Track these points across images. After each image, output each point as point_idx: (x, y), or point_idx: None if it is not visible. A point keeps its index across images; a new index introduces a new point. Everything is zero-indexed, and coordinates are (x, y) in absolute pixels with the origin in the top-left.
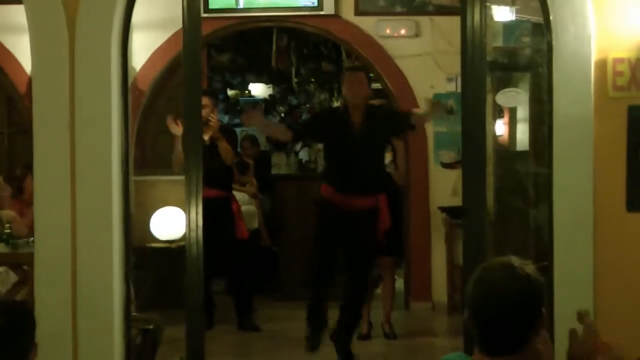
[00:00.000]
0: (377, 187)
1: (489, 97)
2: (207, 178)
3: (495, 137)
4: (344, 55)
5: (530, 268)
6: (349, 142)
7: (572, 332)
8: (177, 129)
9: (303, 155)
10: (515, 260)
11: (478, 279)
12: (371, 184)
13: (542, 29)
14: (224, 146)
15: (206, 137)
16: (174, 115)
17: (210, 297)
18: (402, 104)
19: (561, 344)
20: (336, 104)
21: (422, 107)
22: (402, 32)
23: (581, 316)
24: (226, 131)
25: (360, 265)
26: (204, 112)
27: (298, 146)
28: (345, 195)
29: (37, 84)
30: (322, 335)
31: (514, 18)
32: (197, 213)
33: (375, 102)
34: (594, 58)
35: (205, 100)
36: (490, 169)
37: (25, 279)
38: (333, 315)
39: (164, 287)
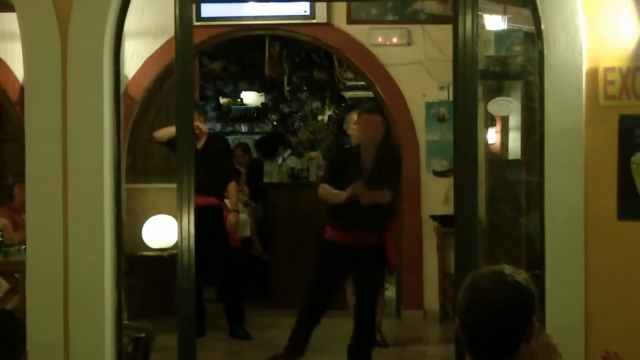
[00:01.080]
0: (382, 225)
1: (480, 106)
2: (198, 186)
3: (487, 145)
4: (336, 63)
5: (521, 276)
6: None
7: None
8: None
9: (294, 163)
10: (506, 268)
11: (468, 285)
12: (376, 223)
13: (534, 38)
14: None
15: (199, 146)
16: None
17: (201, 304)
18: (394, 111)
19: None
20: (328, 112)
21: None
22: (394, 40)
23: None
24: (220, 139)
25: (367, 304)
26: (201, 125)
27: (286, 154)
28: (349, 234)
29: (29, 91)
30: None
31: (505, 27)
32: (188, 221)
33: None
34: (585, 67)
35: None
36: (482, 177)
37: (17, 287)
38: (336, 324)
39: (156, 295)
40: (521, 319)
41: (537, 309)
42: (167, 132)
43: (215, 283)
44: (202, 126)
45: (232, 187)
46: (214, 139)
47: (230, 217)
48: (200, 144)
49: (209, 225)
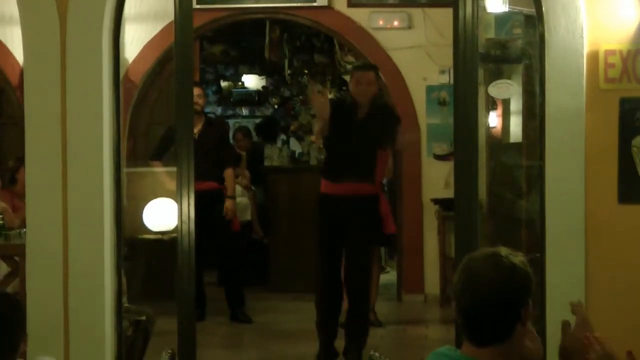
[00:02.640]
0: (371, 172)
1: (481, 89)
2: (197, 172)
3: (488, 129)
4: (336, 47)
5: (517, 258)
6: (350, 133)
7: (565, 324)
8: None
9: (295, 147)
10: (502, 250)
11: (463, 268)
12: (366, 170)
13: (534, 21)
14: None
15: (195, 130)
16: None
17: (202, 288)
18: (395, 95)
19: (554, 336)
20: (329, 96)
21: None
22: (395, 24)
23: (574, 307)
24: (219, 124)
25: (359, 250)
26: (201, 100)
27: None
28: (342, 183)
29: (29, 75)
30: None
31: (506, 10)
32: (189, 204)
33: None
34: (585, 50)
35: (199, 90)
36: (482, 161)
37: (17, 270)
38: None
39: (156, 279)
40: (517, 301)
41: (533, 290)
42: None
43: (216, 267)
44: (201, 101)
45: (228, 173)
46: (213, 124)
47: (227, 204)
48: (197, 128)
49: (208, 209)
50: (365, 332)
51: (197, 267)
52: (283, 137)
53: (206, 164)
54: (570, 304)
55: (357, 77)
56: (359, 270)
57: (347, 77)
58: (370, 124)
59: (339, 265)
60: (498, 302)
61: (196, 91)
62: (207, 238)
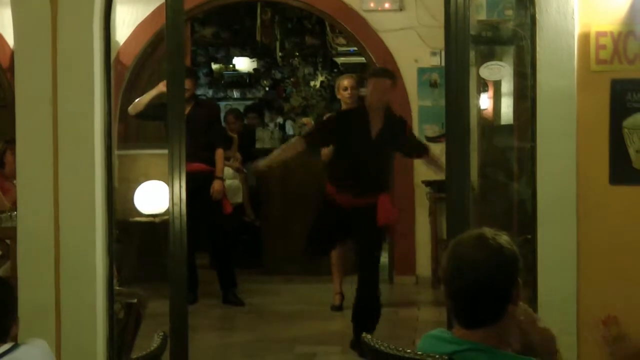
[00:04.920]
0: (381, 187)
1: (472, 71)
2: (191, 153)
3: (479, 111)
4: (328, 29)
5: (503, 239)
6: (365, 144)
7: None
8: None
9: (288, 129)
10: (487, 232)
11: (451, 252)
12: (377, 185)
13: (526, 2)
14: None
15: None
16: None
17: (194, 271)
18: None
19: (544, 318)
20: (321, 78)
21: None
22: (386, 5)
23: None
24: (209, 106)
25: (366, 265)
26: (190, 90)
27: (278, 119)
28: (350, 195)
29: (19, 57)
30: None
31: None
32: (180, 187)
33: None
34: (577, 31)
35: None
36: (474, 142)
37: (8, 253)
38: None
39: (148, 261)
40: (506, 281)
41: (521, 270)
42: (140, 103)
43: (208, 249)
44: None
45: (218, 153)
46: (203, 105)
47: (215, 184)
48: (187, 110)
49: (199, 191)
50: (375, 321)
51: (188, 250)
52: (280, 120)
53: (195, 145)
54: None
55: (373, 83)
56: (372, 263)
57: (338, 60)
58: (387, 136)
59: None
60: (488, 283)
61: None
62: (197, 220)
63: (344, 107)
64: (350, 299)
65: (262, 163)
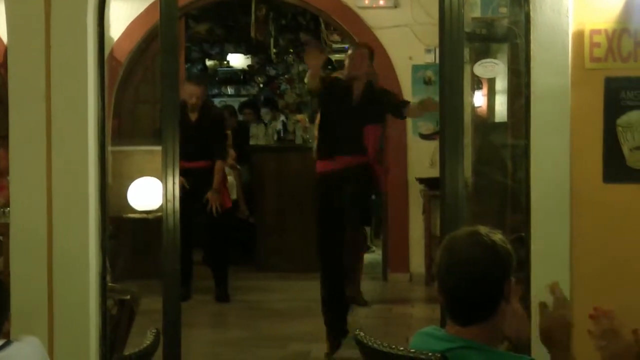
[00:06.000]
0: (362, 147)
1: (467, 68)
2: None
3: (473, 108)
4: (322, 26)
5: (497, 236)
6: (346, 111)
7: (542, 305)
8: None
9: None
10: (481, 229)
11: (445, 248)
12: (361, 145)
13: (520, 0)
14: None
15: (193, 118)
16: None
17: (190, 267)
18: (381, 75)
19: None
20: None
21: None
22: (381, 2)
23: (552, 289)
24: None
25: (356, 216)
26: (195, 99)
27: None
28: (337, 159)
29: (13, 53)
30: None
31: None
32: (173, 183)
33: (338, 73)
34: (571, 29)
35: (195, 90)
36: (468, 140)
37: (1, 250)
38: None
39: (141, 258)
40: (500, 278)
41: (514, 267)
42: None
43: (201, 246)
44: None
45: (218, 165)
46: (210, 112)
47: (210, 196)
48: (194, 113)
49: (199, 187)
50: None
51: (185, 246)
52: (282, 118)
53: (199, 147)
54: (548, 286)
55: (350, 54)
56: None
57: (332, 57)
58: (367, 102)
59: (341, 246)
60: (482, 280)
61: (191, 89)
62: (197, 216)
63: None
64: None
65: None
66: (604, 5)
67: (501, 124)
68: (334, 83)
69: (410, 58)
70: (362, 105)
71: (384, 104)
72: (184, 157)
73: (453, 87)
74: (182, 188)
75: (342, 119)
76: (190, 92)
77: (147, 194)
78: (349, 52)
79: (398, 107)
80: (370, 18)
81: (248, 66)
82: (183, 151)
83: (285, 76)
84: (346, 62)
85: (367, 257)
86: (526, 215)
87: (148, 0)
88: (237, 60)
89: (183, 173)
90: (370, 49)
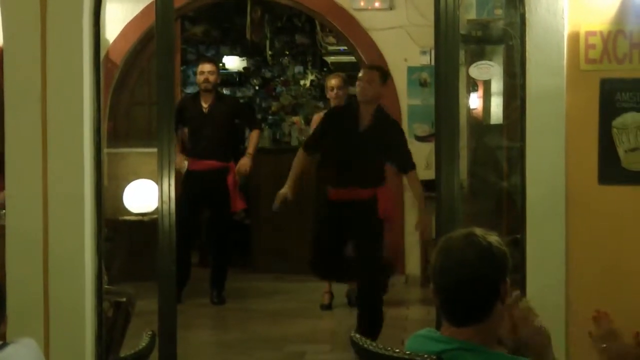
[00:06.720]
0: (375, 180)
1: (462, 70)
2: (199, 150)
3: (469, 110)
4: (318, 27)
5: (492, 238)
6: (354, 137)
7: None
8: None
9: (277, 128)
10: (477, 230)
11: (440, 249)
12: (370, 178)
13: (515, 2)
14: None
15: (206, 105)
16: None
17: (189, 270)
18: None
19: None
20: (310, 77)
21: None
22: (376, 4)
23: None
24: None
25: (369, 254)
26: (212, 77)
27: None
28: (344, 189)
29: (8, 55)
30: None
31: None
32: (169, 185)
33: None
34: (566, 31)
35: (212, 67)
36: (463, 142)
37: None
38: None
39: (137, 260)
40: (496, 279)
41: (510, 269)
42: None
43: (199, 248)
44: (212, 78)
45: (254, 133)
46: (224, 99)
47: (243, 160)
48: (207, 102)
49: (210, 190)
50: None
51: (185, 248)
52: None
53: (211, 141)
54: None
55: (360, 76)
56: (374, 285)
57: (328, 59)
58: (376, 130)
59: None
60: (478, 281)
61: (207, 67)
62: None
63: (332, 104)
64: (339, 297)
65: (281, 193)
66: (600, 7)
67: (497, 125)
68: (335, 112)
69: (406, 60)
70: (371, 134)
71: (392, 155)
72: (193, 153)
73: (448, 89)
74: (188, 195)
75: (350, 148)
76: (207, 69)
77: (142, 196)
78: (360, 74)
79: (404, 165)
80: (365, 20)
81: (243, 68)
82: (192, 146)
83: (281, 78)
84: (357, 82)
85: None
86: (522, 216)
87: (144, 2)
88: (233, 63)
89: (190, 175)
90: (383, 70)
